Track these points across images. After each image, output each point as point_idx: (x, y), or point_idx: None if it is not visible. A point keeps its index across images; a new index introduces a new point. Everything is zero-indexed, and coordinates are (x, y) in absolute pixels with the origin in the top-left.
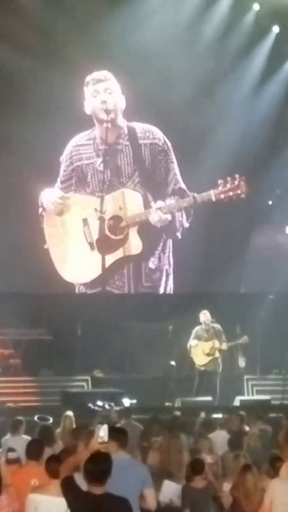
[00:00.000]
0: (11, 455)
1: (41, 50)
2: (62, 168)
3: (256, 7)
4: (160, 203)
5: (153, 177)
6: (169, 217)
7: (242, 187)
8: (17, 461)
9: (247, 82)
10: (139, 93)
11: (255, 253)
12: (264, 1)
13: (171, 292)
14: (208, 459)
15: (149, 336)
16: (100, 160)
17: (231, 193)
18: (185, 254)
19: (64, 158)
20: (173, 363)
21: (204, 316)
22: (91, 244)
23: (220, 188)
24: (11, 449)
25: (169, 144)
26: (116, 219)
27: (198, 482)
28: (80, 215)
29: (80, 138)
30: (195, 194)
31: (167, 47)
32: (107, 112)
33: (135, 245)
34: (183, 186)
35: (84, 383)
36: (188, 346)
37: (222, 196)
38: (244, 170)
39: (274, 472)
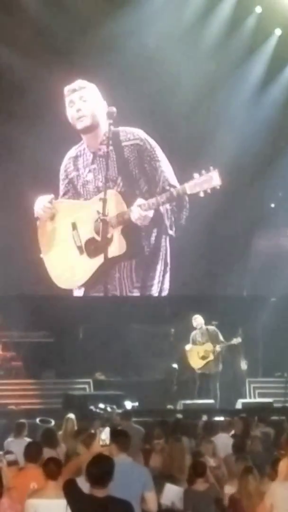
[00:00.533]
0: (9, 457)
1: (41, 55)
2: (60, 181)
3: (258, 9)
4: (139, 201)
5: (139, 177)
6: (149, 213)
7: (216, 178)
8: (15, 463)
9: (249, 85)
10: (140, 97)
11: (257, 256)
12: (266, 4)
13: (166, 293)
14: (211, 462)
15: (151, 339)
16: (87, 169)
17: (205, 186)
18: (187, 257)
19: (61, 171)
20: (175, 365)
21: (195, 321)
22: (80, 248)
23: (195, 180)
24: (8, 452)
25: (152, 143)
26: (103, 221)
27: (200, 485)
28: (69, 220)
29: (73, 150)
30: (172, 189)
31: (169, 51)
32: (81, 119)
33: (119, 246)
34: (175, 183)
35: (86, 386)
36: (185, 350)
37: (197, 188)
38: (246, 172)
39: (276, 475)
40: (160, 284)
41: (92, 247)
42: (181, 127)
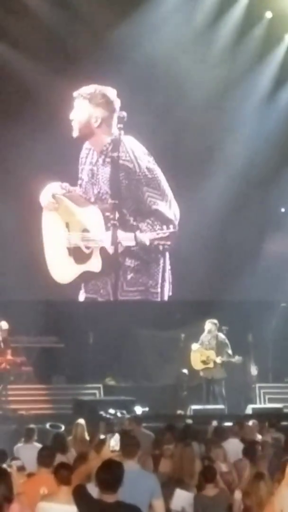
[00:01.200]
0: (16, 463)
1: (53, 56)
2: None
3: (268, 15)
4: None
5: (127, 197)
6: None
7: (170, 238)
8: (22, 469)
9: (260, 90)
10: (148, 103)
11: (267, 260)
12: (276, 10)
13: (173, 298)
14: (223, 467)
15: (161, 344)
16: (91, 170)
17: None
18: (196, 262)
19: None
20: (185, 371)
21: (211, 325)
22: (69, 250)
23: (154, 233)
24: (15, 458)
25: (143, 165)
26: (87, 233)
27: (210, 490)
28: (65, 219)
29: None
30: (137, 233)
31: (178, 58)
32: (90, 126)
33: (96, 263)
34: (161, 208)
35: (96, 391)
36: (191, 347)
37: (156, 242)
38: (256, 177)
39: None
40: (169, 287)
41: (77, 255)
42: (189, 134)
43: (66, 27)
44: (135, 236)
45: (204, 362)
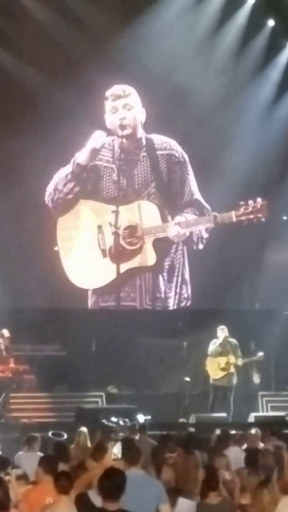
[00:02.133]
0: (17, 471)
1: (57, 64)
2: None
3: (271, 23)
4: (179, 218)
5: (169, 188)
6: (187, 232)
7: (264, 211)
8: (23, 477)
9: (262, 98)
10: (154, 107)
11: (270, 268)
12: (279, 17)
13: (182, 306)
14: (226, 475)
15: (164, 352)
16: (116, 167)
17: (251, 216)
18: (199, 270)
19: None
20: (187, 379)
21: (222, 331)
22: (103, 251)
23: (242, 210)
24: (15, 466)
25: (186, 156)
26: (131, 229)
27: (213, 499)
28: (95, 222)
29: (95, 141)
30: (216, 214)
31: (184, 60)
32: (125, 128)
33: (149, 257)
34: (199, 197)
35: (98, 399)
36: (209, 353)
37: (243, 218)
38: (259, 185)
39: None
40: (178, 297)
41: (117, 253)
42: (193, 139)
43: (68, 34)
44: (215, 218)
45: (224, 369)
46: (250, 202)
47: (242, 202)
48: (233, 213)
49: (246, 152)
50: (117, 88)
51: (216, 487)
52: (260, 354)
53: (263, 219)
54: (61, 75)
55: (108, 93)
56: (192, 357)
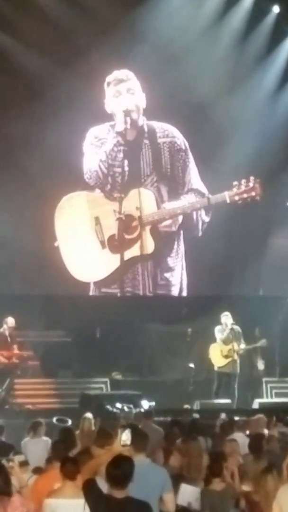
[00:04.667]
0: (19, 457)
1: (61, 50)
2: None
3: (276, 9)
4: (173, 204)
5: (170, 176)
6: (179, 219)
7: (257, 189)
8: (25, 463)
9: (267, 84)
10: (157, 93)
11: (273, 255)
12: (284, 2)
13: (185, 294)
14: (240, 460)
15: (168, 339)
16: (119, 155)
17: (245, 195)
18: (202, 256)
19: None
20: (191, 365)
21: (226, 317)
22: (102, 243)
23: (235, 190)
24: (17, 452)
25: (187, 144)
26: (129, 218)
27: (217, 485)
28: (91, 214)
29: (101, 129)
30: (209, 195)
31: (187, 47)
32: (129, 113)
33: (147, 244)
34: (200, 185)
35: (103, 385)
36: (222, 340)
37: (237, 198)
38: (261, 171)
39: None
40: (180, 285)
41: (116, 243)
42: (196, 125)
43: (72, 20)
44: (208, 200)
45: (227, 356)
46: (243, 181)
47: (235, 182)
48: (226, 193)
49: (249, 139)
50: (118, 73)
51: (220, 474)
52: (263, 340)
53: (257, 198)
54: (65, 61)
55: (109, 78)
56: (197, 344)
